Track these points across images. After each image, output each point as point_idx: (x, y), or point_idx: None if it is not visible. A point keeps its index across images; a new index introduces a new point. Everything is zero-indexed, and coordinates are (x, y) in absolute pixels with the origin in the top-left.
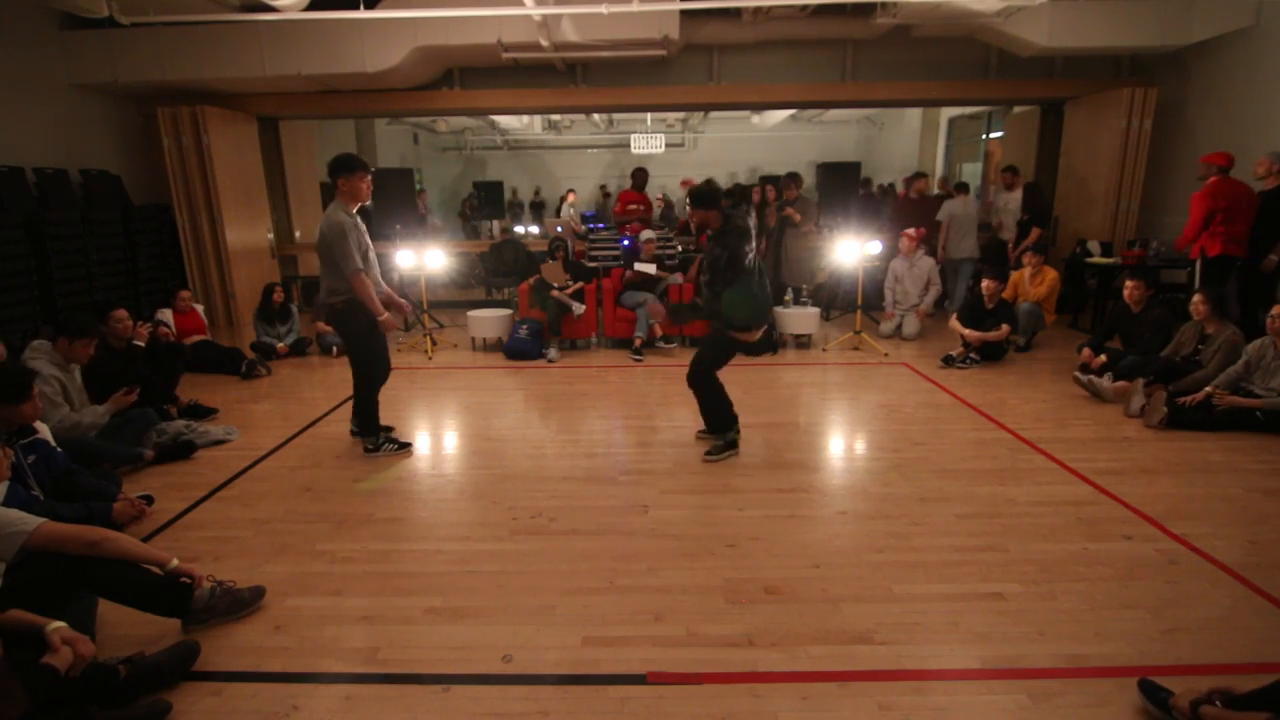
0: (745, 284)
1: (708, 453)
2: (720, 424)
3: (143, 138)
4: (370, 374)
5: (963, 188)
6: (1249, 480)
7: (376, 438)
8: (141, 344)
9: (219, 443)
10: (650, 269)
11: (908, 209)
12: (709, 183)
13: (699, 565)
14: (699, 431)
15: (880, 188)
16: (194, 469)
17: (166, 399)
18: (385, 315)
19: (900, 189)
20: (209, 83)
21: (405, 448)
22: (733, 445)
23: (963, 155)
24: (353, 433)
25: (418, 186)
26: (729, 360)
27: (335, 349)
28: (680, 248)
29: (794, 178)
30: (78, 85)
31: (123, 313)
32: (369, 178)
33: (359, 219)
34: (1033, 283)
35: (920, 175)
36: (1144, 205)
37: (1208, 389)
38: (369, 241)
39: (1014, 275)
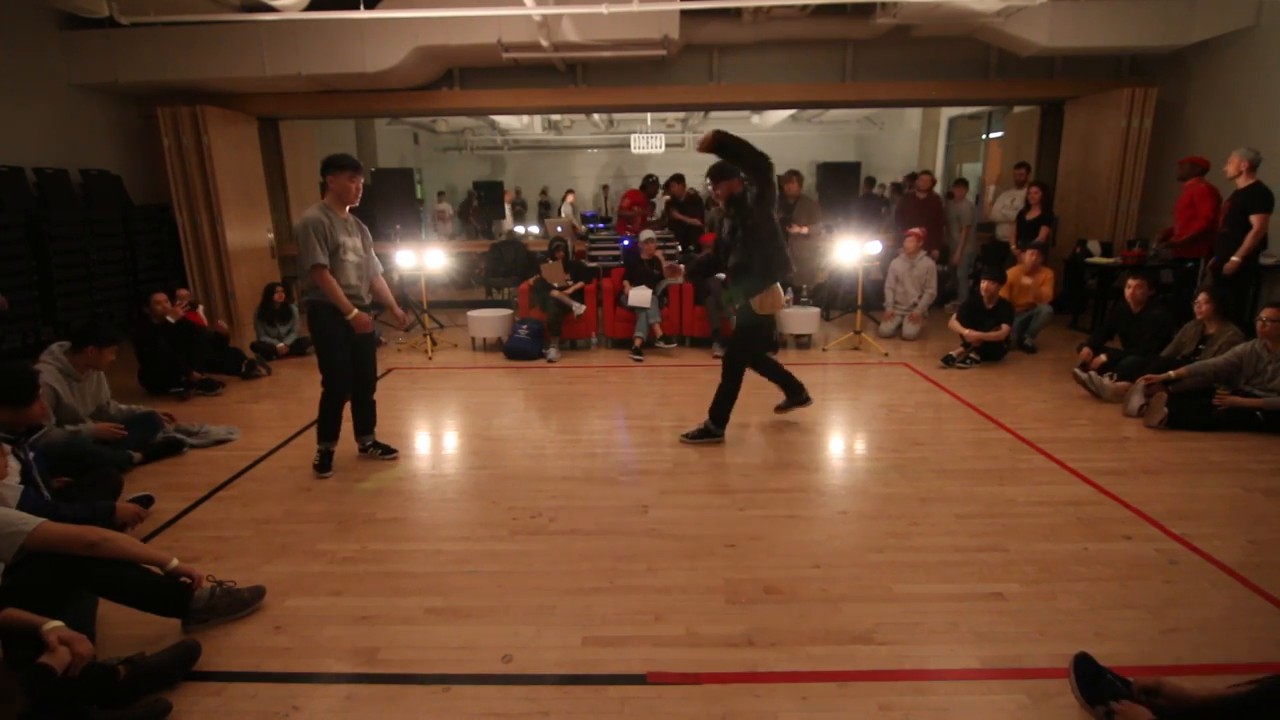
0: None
1: (685, 434)
2: (716, 412)
3: (143, 138)
4: (325, 382)
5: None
6: (1249, 480)
7: (320, 444)
8: (172, 320)
9: (220, 442)
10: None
11: (911, 208)
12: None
13: (699, 565)
14: (776, 407)
15: (892, 185)
16: (194, 469)
17: (186, 373)
18: (355, 313)
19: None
20: (209, 83)
21: (325, 472)
22: (713, 435)
23: (963, 155)
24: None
25: (418, 190)
26: (763, 346)
27: None
28: (680, 248)
29: (794, 175)
30: (78, 85)
31: (161, 296)
32: (359, 179)
33: (351, 222)
34: (1036, 280)
35: (924, 172)
36: (1144, 205)
37: (1172, 372)
38: (349, 242)
39: (1010, 274)
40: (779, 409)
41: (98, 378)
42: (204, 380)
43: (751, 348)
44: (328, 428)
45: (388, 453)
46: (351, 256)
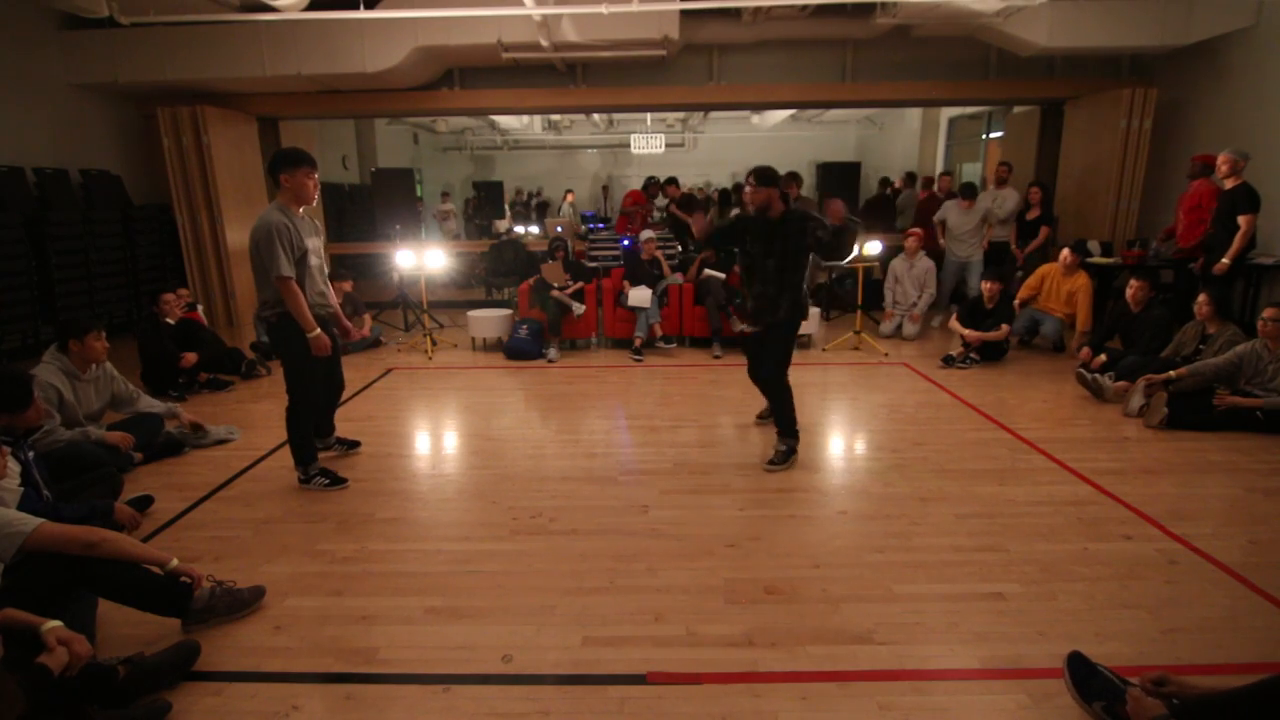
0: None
1: (769, 462)
2: (790, 427)
3: (143, 138)
4: (298, 399)
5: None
6: (1249, 480)
7: (307, 469)
8: (172, 321)
9: (220, 442)
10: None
11: (935, 207)
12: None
13: (699, 565)
14: (758, 416)
15: (905, 175)
16: (194, 469)
17: (192, 374)
18: (317, 332)
19: (919, 189)
20: (209, 83)
21: (341, 483)
22: (793, 452)
23: (963, 155)
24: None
25: (418, 190)
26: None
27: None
28: (680, 248)
29: (794, 177)
30: (78, 85)
31: (170, 296)
32: (315, 174)
33: (309, 221)
34: (1070, 286)
35: (944, 174)
36: (1144, 205)
37: (1172, 372)
38: (312, 244)
39: (1042, 268)
40: (761, 418)
41: (105, 373)
42: (211, 379)
43: (789, 358)
44: (305, 450)
45: (352, 446)
46: (314, 260)
